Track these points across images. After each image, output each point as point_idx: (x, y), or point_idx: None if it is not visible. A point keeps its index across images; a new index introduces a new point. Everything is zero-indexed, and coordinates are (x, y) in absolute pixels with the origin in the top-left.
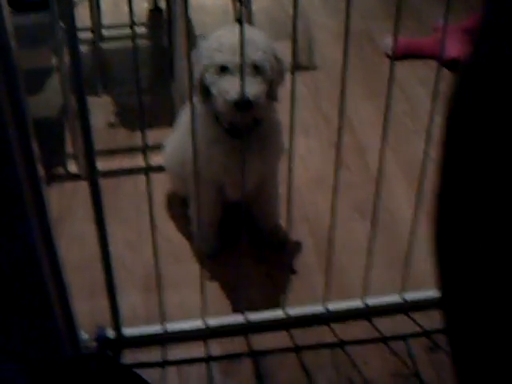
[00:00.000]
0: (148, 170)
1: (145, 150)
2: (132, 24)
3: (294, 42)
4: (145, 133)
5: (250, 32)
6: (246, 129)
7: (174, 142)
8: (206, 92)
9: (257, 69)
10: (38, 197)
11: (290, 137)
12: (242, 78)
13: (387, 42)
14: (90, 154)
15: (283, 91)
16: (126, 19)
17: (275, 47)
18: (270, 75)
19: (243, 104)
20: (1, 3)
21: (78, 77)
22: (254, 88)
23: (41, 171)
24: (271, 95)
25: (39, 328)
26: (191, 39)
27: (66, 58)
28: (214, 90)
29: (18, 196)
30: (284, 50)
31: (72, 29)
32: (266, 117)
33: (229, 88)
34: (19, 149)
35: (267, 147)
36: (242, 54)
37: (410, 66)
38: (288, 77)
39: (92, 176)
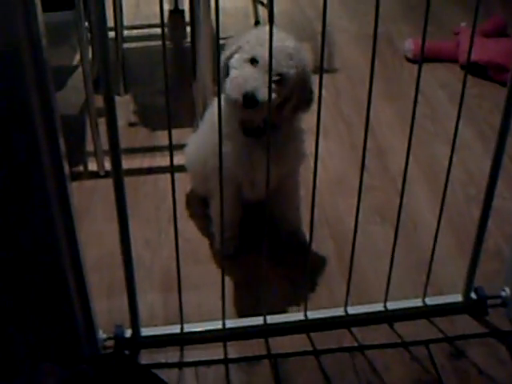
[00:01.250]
0: (172, 169)
1: (170, 149)
2: (162, 24)
3: (322, 46)
4: (171, 132)
5: (297, 46)
6: (258, 129)
7: (197, 139)
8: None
9: (281, 79)
10: (62, 194)
11: (316, 140)
12: (269, 79)
13: (407, 45)
14: (115, 152)
15: None
16: (146, 20)
17: (310, 74)
18: (287, 92)
19: (250, 99)
20: (35, 2)
21: (106, 75)
22: (267, 92)
23: (67, 169)
24: (287, 115)
25: (59, 326)
26: (215, 40)
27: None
28: (233, 72)
29: (43, 193)
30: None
31: (103, 28)
32: (286, 124)
33: (248, 77)
34: (46, 146)
35: (282, 153)
36: (270, 61)
37: (430, 69)
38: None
39: (117, 174)
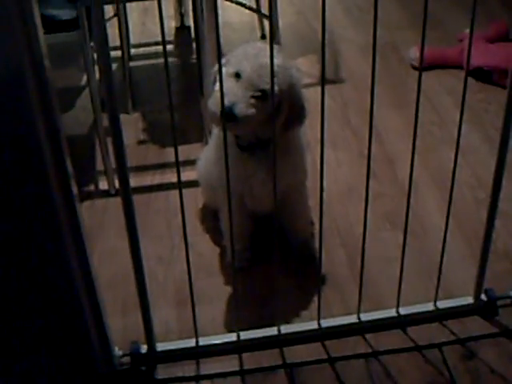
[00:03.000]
0: (180, 184)
1: (177, 165)
2: (163, 42)
3: (323, 56)
4: (177, 148)
5: (284, 64)
6: (250, 144)
7: (207, 153)
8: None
9: (263, 95)
10: (72, 214)
11: (321, 150)
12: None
13: (412, 53)
14: (122, 171)
15: (312, 105)
16: (153, 38)
17: (299, 91)
18: (270, 108)
19: (227, 113)
20: (36, 24)
21: (111, 95)
22: (246, 107)
23: (75, 189)
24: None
25: (74, 344)
26: (220, 55)
27: (96, 77)
28: (216, 86)
29: (52, 213)
30: (311, 64)
31: (104, 47)
32: (281, 139)
33: (229, 92)
34: (53, 166)
35: (280, 168)
36: (272, 77)
37: (436, 76)
38: (316, 91)
39: (125, 192)
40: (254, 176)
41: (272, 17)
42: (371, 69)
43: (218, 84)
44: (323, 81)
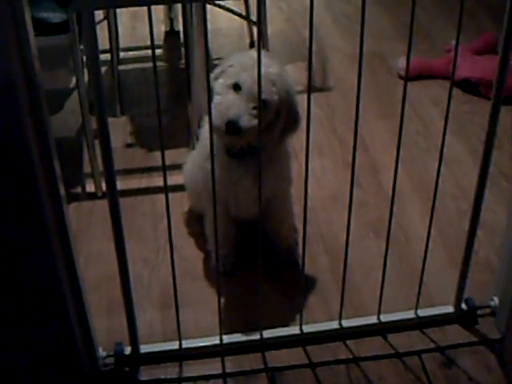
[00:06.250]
0: (166, 188)
1: (164, 168)
2: (152, 46)
3: (309, 63)
4: (163, 152)
5: (280, 72)
6: (240, 151)
7: (193, 158)
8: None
9: (264, 105)
10: (59, 216)
11: (306, 157)
12: (258, 101)
13: (400, 63)
14: (109, 174)
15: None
16: (142, 42)
17: (295, 98)
18: (272, 117)
19: (232, 126)
20: (27, 27)
21: (99, 98)
22: (250, 119)
23: (62, 191)
24: (274, 138)
25: (58, 345)
26: (208, 61)
27: (85, 79)
28: (216, 98)
29: (39, 214)
30: (298, 72)
31: (94, 51)
32: (271, 148)
33: (231, 105)
34: (41, 168)
35: (264, 175)
36: (259, 86)
37: (423, 87)
38: (303, 98)
39: (112, 195)
40: (240, 182)
41: (260, 23)
42: (357, 80)
43: (217, 97)
44: (309, 88)
